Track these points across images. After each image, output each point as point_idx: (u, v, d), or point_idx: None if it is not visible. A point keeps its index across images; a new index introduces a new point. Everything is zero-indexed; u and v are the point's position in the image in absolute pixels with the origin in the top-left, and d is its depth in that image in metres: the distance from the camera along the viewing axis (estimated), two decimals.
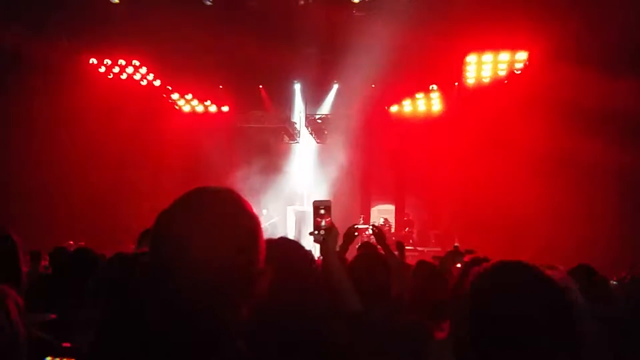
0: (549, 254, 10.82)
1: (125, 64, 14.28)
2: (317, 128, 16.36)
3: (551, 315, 1.34)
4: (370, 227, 3.38)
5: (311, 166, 16.71)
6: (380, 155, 16.20)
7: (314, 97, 15.98)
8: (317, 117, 16.03)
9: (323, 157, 16.41)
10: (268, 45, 12.56)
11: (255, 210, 1.23)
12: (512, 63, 13.42)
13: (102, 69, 14.22)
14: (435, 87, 14.64)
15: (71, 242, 9.07)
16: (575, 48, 11.37)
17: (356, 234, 3.41)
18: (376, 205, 17.05)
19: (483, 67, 13.64)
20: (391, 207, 16.79)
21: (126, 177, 14.30)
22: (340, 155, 15.47)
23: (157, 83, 14.94)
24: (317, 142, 16.83)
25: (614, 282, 4.39)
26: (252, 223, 1.19)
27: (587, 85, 10.85)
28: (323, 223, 2.63)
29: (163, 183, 14.12)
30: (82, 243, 9.32)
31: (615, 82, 10.60)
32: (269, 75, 14.76)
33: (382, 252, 3.57)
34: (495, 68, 13.61)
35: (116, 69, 14.35)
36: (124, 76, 14.43)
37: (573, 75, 11.05)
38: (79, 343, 2.03)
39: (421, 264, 4.05)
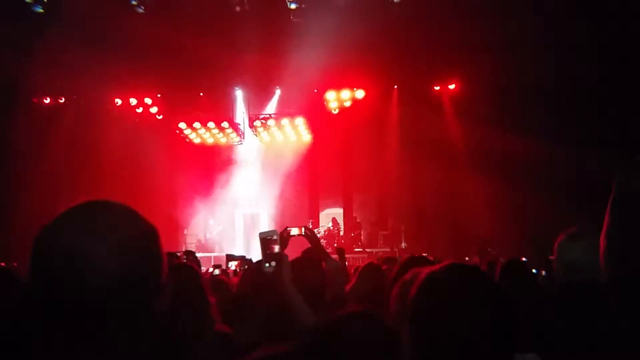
0: (494, 248, 11.24)
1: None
2: (261, 127, 16.21)
3: (495, 319, 1.30)
4: (303, 229, 3.31)
5: (257, 167, 16.49)
6: (326, 155, 16.25)
7: (257, 103, 15.88)
8: (262, 117, 15.89)
9: (268, 157, 16.24)
10: (207, 53, 12.41)
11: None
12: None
13: None
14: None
15: (2, 264, 8.59)
16: None
17: (292, 233, 3.37)
18: (325, 209, 17.07)
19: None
20: (339, 211, 16.86)
21: (63, 195, 13.71)
22: (286, 155, 15.41)
23: None
24: (262, 142, 16.66)
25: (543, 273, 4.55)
26: (145, 232, 1.10)
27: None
28: (276, 249, 2.58)
29: (104, 195, 13.60)
30: (15, 264, 8.88)
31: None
32: (209, 82, 14.56)
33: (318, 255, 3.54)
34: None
35: None
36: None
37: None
38: None
39: (368, 266, 4.08)
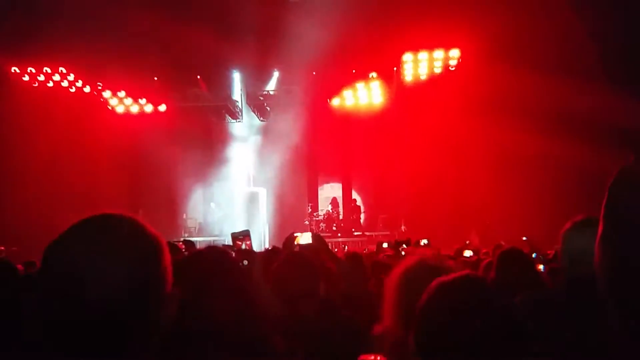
0: (492, 237, 11.17)
1: (51, 72, 13.92)
2: (260, 105, 16.05)
3: (501, 334, 1.33)
4: (310, 236, 3.32)
5: (255, 145, 16.40)
6: (325, 139, 16.15)
7: (255, 85, 15.75)
8: (260, 94, 15.74)
9: (267, 135, 16.11)
10: (205, 35, 12.26)
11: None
12: (446, 60, 13.83)
13: (26, 78, 13.79)
14: (375, 74, 14.67)
15: (2, 248, 8.64)
16: (507, 46, 11.71)
17: (296, 243, 3.34)
18: (323, 184, 16.94)
19: (419, 64, 14.00)
20: (338, 185, 16.76)
21: (62, 179, 13.68)
22: (285, 134, 15.30)
23: (87, 89, 14.64)
24: (260, 120, 16.55)
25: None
26: (151, 246, 1.14)
27: (521, 81, 11.19)
28: (243, 246, 2.68)
29: (101, 184, 13.70)
30: (14, 249, 8.94)
31: (551, 79, 10.96)
32: (207, 64, 14.40)
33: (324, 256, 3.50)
34: (431, 65, 13.98)
35: (41, 77, 13.93)
36: (50, 84, 14.04)
37: (506, 71, 11.41)
38: None
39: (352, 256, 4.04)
